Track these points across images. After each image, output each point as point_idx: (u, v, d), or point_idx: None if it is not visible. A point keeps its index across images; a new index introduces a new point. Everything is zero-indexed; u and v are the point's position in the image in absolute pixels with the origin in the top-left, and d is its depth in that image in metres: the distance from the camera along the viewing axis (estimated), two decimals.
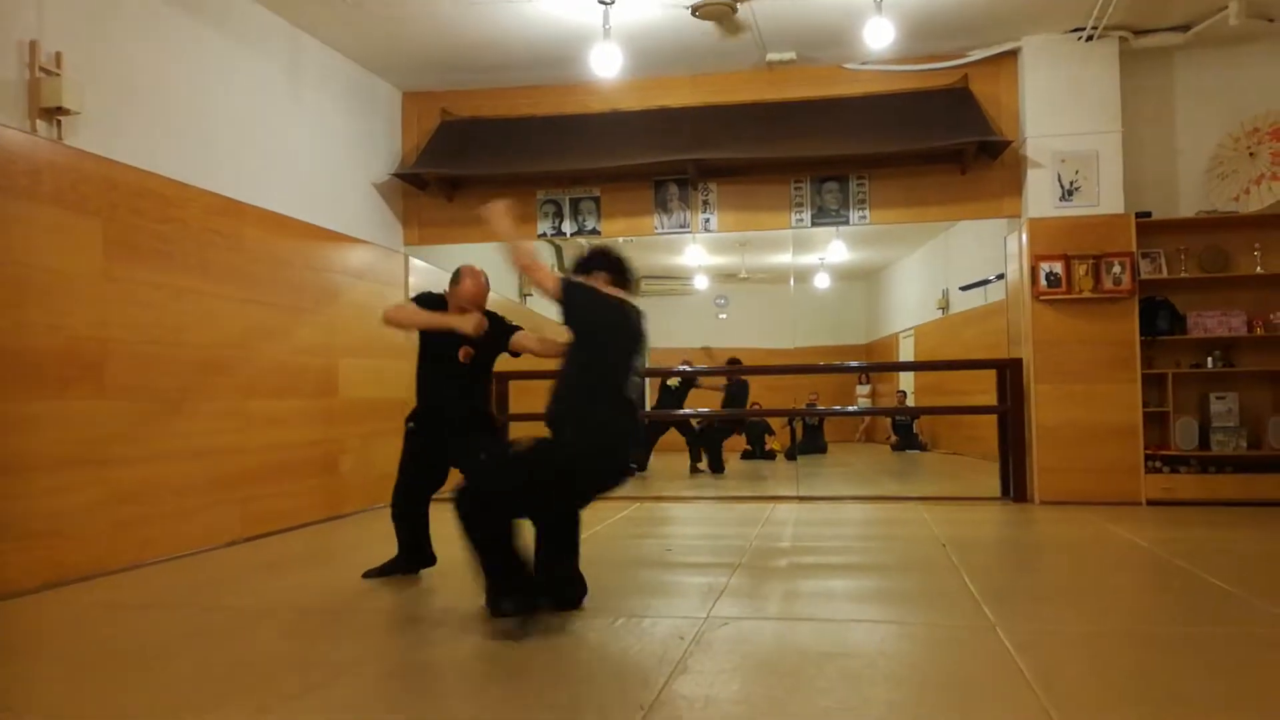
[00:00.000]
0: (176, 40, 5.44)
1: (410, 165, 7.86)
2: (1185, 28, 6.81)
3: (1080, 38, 6.93)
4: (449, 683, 2.90)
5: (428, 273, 8.39)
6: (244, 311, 5.91)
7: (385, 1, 6.26)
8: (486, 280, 4.52)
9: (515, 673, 3.05)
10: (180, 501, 5.27)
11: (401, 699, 2.82)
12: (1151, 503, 6.76)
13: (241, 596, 4.27)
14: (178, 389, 5.30)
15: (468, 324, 4.24)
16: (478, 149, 7.84)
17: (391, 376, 7.54)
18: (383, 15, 6.48)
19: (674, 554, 5.29)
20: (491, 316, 4.43)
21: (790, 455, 12.22)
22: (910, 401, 15.46)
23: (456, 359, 4.41)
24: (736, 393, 11.63)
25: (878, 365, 17.33)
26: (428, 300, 4.60)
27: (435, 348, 4.46)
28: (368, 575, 4.50)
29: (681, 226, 7.88)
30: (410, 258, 8.12)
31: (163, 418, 5.18)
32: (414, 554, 4.58)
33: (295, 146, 6.59)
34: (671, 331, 11.21)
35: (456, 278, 4.47)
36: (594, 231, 7.99)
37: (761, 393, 12.24)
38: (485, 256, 9.88)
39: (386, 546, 4.60)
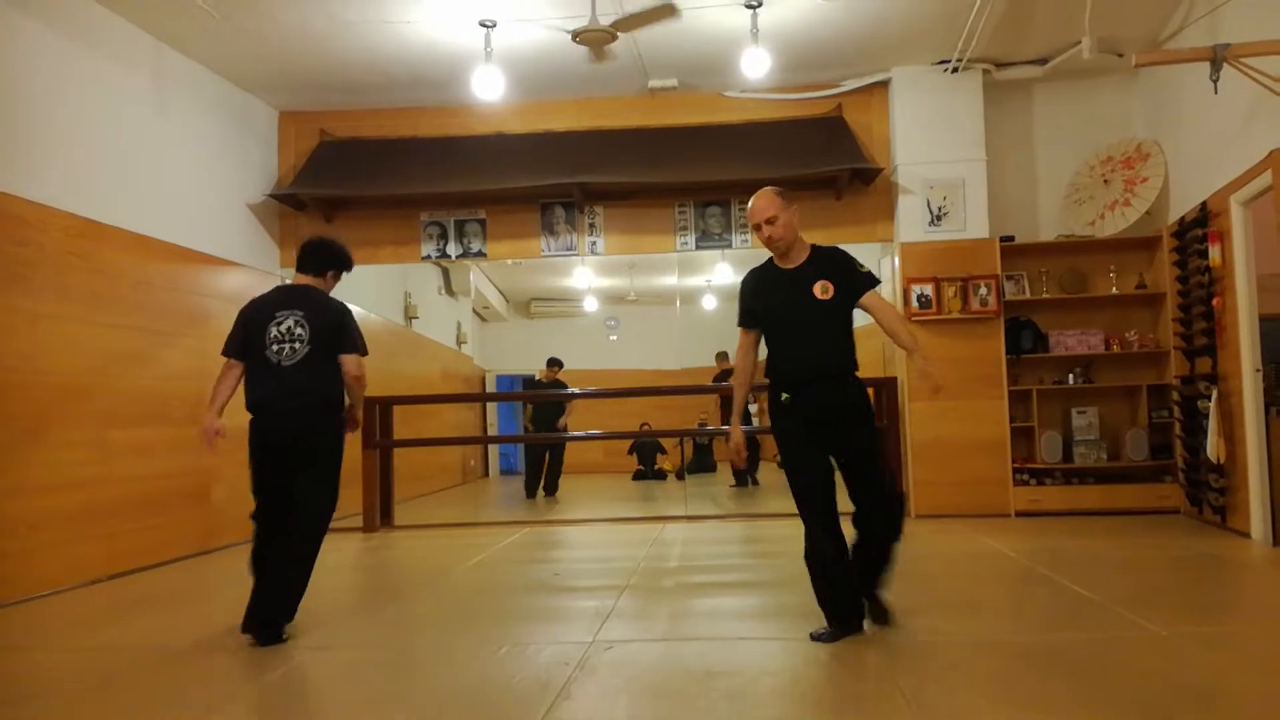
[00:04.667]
0: (34, 54, 5.18)
1: (287, 186, 7.66)
2: (1043, 61, 7.20)
3: (946, 69, 7.25)
4: (328, 716, 2.82)
5: None
6: (107, 337, 5.65)
7: (255, 17, 6.10)
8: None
9: (398, 704, 2.98)
10: (38, 537, 4.98)
11: None
12: (1020, 514, 7.04)
13: (100, 636, 4.06)
14: (35, 418, 5.03)
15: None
16: (358, 170, 7.70)
17: None
18: (254, 33, 6.32)
19: (561, 578, 5.26)
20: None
21: (680, 475, 12.32)
22: None
23: None
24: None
25: (764, 385, 17.69)
26: None
27: None
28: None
29: (568, 249, 7.89)
30: (286, 280, 7.89)
31: (18, 449, 4.90)
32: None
33: (163, 166, 6.34)
34: (565, 354, 11.20)
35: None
36: (480, 254, 7.93)
37: (652, 413, 12.31)
38: (366, 280, 9.77)
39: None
